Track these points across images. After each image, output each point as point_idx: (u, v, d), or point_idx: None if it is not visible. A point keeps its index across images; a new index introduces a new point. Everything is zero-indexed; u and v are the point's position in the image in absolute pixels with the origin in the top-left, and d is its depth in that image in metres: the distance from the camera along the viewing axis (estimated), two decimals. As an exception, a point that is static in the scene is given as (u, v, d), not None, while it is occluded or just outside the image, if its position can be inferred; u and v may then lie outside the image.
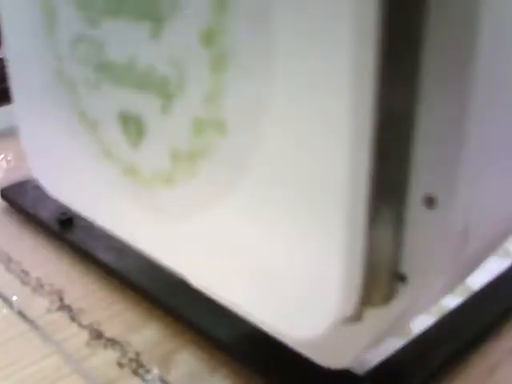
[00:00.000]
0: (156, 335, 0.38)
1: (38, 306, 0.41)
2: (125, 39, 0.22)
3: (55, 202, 0.52)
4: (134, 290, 0.42)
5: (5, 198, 0.54)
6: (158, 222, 0.25)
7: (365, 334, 0.26)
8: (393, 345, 0.35)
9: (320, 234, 0.19)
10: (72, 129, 0.27)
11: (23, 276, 0.44)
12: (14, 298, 0.42)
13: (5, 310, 0.41)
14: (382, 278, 0.23)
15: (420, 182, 0.21)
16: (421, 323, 0.37)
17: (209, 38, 0.19)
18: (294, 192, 0.19)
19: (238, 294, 0.24)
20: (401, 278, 0.23)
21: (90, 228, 0.48)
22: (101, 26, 0.23)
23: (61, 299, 0.42)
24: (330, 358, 0.30)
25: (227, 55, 0.19)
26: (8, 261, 0.46)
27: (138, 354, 0.37)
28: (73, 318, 0.40)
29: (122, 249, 0.46)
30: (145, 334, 0.38)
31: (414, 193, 0.21)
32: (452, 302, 0.39)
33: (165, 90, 0.22)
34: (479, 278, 0.41)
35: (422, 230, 0.22)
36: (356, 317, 0.23)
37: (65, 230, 0.48)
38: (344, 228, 0.19)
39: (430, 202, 0.21)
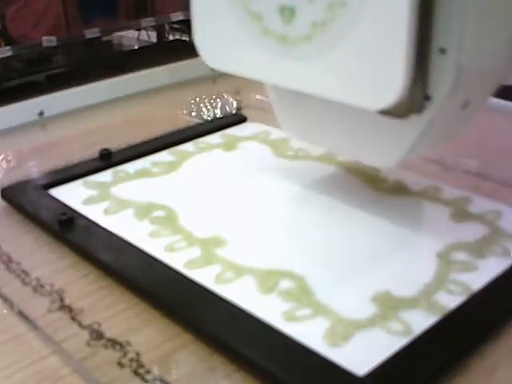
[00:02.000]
0: (156, 335, 0.38)
1: (38, 306, 0.41)
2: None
3: (55, 201, 0.52)
4: (134, 290, 0.42)
5: (5, 198, 0.54)
6: (299, 66, 0.43)
7: (408, 134, 0.43)
8: (393, 345, 0.35)
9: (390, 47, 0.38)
10: (239, 18, 0.46)
11: (23, 276, 0.44)
12: (14, 298, 0.42)
13: (5, 310, 0.41)
14: (417, 97, 0.40)
15: (437, 40, 0.39)
16: (421, 323, 0.37)
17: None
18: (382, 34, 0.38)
19: (341, 93, 0.42)
20: (427, 98, 0.41)
21: (90, 228, 0.49)
22: None
23: (61, 299, 0.42)
24: (381, 161, 0.47)
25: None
26: (8, 261, 0.46)
27: (138, 353, 0.37)
28: (73, 318, 0.40)
29: (122, 249, 0.46)
30: (145, 333, 0.38)
31: (434, 45, 0.39)
32: (452, 302, 0.39)
33: None
34: (479, 278, 0.41)
35: (439, 68, 0.39)
36: (403, 115, 0.41)
37: (65, 230, 0.48)
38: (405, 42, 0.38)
39: (442, 51, 0.39)
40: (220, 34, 0.48)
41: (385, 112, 0.41)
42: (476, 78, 0.42)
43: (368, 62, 0.39)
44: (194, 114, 0.71)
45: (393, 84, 0.39)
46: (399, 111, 0.41)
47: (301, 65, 0.43)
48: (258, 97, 0.72)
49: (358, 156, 0.51)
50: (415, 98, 0.41)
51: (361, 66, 0.40)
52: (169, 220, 0.50)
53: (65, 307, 0.41)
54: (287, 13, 0.42)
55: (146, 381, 0.35)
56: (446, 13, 0.38)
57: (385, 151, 0.46)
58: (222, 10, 0.47)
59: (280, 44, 0.43)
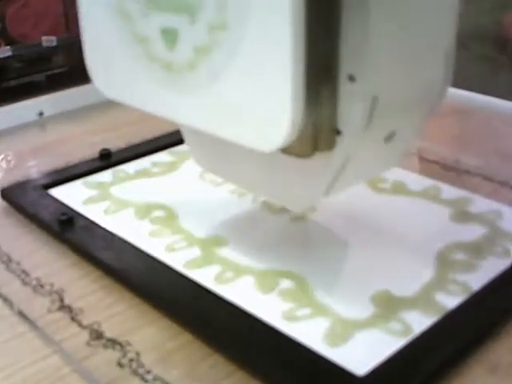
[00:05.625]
0: (156, 335, 0.38)
1: (38, 306, 0.41)
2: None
3: (55, 201, 0.52)
4: (133, 290, 0.42)
5: (5, 198, 0.54)
6: (185, 99, 0.39)
7: (320, 173, 0.38)
8: (393, 345, 0.35)
9: (276, 81, 0.33)
10: (126, 43, 0.41)
11: (23, 276, 0.44)
12: (14, 298, 0.42)
13: (5, 310, 0.41)
14: (324, 131, 0.35)
15: (345, 65, 0.34)
16: (421, 323, 0.37)
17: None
18: (262, 61, 0.33)
19: (228, 130, 0.37)
20: (337, 132, 0.35)
21: (90, 228, 0.48)
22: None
23: (61, 299, 0.42)
24: (294, 203, 0.43)
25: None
26: (8, 261, 0.46)
27: (138, 353, 0.37)
28: (73, 318, 0.40)
29: (122, 249, 0.46)
30: (145, 333, 0.38)
31: (341, 71, 0.34)
32: (452, 302, 0.39)
33: (192, 10, 0.36)
34: (479, 278, 0.41)
35: (349, 98, 0.34)
36: (307, 154, 0.36)
37: (65, 230, 0.48)
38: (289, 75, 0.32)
39: (351, 78, 0.34)
40: (110, 59, 0.43)
41: (284, 151, 0.36)
42: (399, 107, 0.37)
43: (252, 94, 0.34)
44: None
45: (279, 121, 0.33)
46: (300, 150, 0.36)
47: (185, 97, 0.38)
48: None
49: (270, 196, 0.46)
50: (320, 134, 0.35)
51: (245, 100, 0.35)
52: (169, 220, 0.50)
53: (65, 307, 0.41)
54: (170, 36, 0.38)
55: (146, 381, 0.35)
56: (352, 32, 0.33)
57: (296, 193, 0.41)
58: (110, 30, 0.42)
59: (165, 72, 0.39)
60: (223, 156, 0.45)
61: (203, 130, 0.38)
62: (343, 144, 0.35)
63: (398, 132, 0.39)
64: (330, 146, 0.36)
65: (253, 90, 0.34)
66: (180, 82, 0.38)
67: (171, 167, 0.59)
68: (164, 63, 0.39)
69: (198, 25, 0.36)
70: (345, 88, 0.34)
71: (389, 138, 0.38)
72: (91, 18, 0.44)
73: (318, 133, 0.35)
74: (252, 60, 0.34)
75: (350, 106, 0.34)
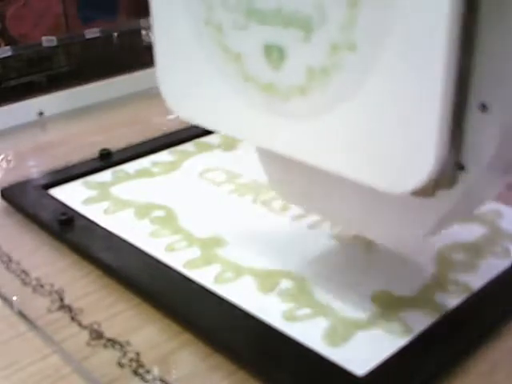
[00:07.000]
0: (156, 335, 0.38)
1: (38, 305, 0.41)
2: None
3: (55, 201, 0.52)
4: (134, 290, 0.42)
5: (5, 198, 0.54)
6: (290, 126, 0.33)
7: (432, 212, 0.34)
8: (393, 345, 0.35)
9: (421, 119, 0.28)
10: (215, 60, 0.36)
11: (23, 276, 0.44)
12: (14, 298, 0.42)
13: (5, 310, 0.41)
14: (448, 167, 0.30)
15: (477, 94, 0.29)
16: (421, 323, 0.37)
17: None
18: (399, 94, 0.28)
19: (345, 165, 0.32)
20: (461, 168, 0.31)
21: (90, 228, 0.49)
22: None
23: (61, 299, 0.42)
24: (398, 239, 0.38)
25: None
26: (8, 261, 0.46)
27: (138, 354, 0.37)
28: (73, 318, 0.40)
29: (122, 249, 0.46)
30: (145, 333, 0.38)
31: (473, 99, 0.29)
32: (452, 302, 0.39)
33: (307, 26, 0.30)
34: (479, 278, 0.41)
35: (478, 130, 0.30)
36: (430, 193, 0.31)
37: (65, 230, 0.48)
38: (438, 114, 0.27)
39: (483, 107, 0.29)
40: (189, 78, 0.39)
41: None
42: None
43: (385, 128, 0.29)
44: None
45: (421, 161, 0.28)
46: (424, 191, 0.31)
47: (291, 124, 0.33)
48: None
49: (368, 234, 0.41)
50: (446, 171, 0.30)
51: (374, 134, 0.30)
52: (169, 220, 0.50)
53: (65, 307, 0.41)
54: (275, 54, 0.32)
55: (146, 381, 0.35)
56: (488, 52, 0.28)
57: (404, 232, 0.37)
58: (190, 46, 0.37)
59: (265, 94, 0.34)
60: (316, 190, 0.39)
61: (310, 163, 0.34)
62: (464, 181, 0.31)
63: None
64: (451, 183, 0.31)
65: (385, 123, 0.29)
66: (284, 106, 0.33)
67: (171, 167, 0.59)
68: (264, 84, 0.34)
69: (314, 42, 0.30)
70: (474, 118, 0.29)
71: (508, 168, 0.34)
72: (166, 27, 0.39)
73: (443, 171, 0.30)
74: (387, 89, 0.28)
75: (478, 139, 0.30)
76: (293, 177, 0.40)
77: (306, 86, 0.32)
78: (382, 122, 0.29)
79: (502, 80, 0.28)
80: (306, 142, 0.33)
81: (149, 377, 0.35)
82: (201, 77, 0.37)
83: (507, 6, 0.27)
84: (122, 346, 0.37)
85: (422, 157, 0.28)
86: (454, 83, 0.27)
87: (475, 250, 0.44)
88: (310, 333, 0.37)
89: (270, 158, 0.41)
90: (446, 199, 0.32)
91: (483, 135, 0.30)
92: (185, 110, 0.40)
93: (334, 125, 0.31)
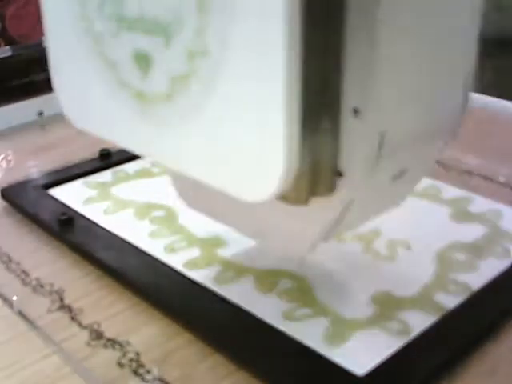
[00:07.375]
0: (156, 335, 0.38)
1: (38, 305, 0.41)
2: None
3: (55, 201, 0.52)
4: (134, 290, 0.42)
5: (5, 198, 0.54)
6: (161, 133, 0.33)
7: (318, 219, 0.33)
8: (393, 345, 0.35)
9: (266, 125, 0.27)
10: (95, 67, 0.35)
11: (23, 276, 0.44)
12: (14, 298, 0.42)
13: (5, 310, 0.41)
14: (324, 173, 0.30)
15: (349, 98, 0.29)
16: (420, 323, 0.37)
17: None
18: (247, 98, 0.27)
19: (207, 174, 0.31)
20: (339, 174, 0.30)
21: (90, 228, 0.48)
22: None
23: (61, 299, 0.42)
24: (290, 247, 0.37)
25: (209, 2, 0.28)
26: (8, 261, 0.46)
27: (138, 354, 0.37)
28: (73, 318, 0.40)
29: (122, 249, 0.46)
30: (145, 334, 0.38)
31: (345, 105, 0.29)
32: (452, 302, 0.39)
33: (167, 32, 0.30)
34: (479, 278, 0.41)
35: (353, 135, 0.29)
36: (301, 201, 0.31)
37: (65, 230, 0.48)
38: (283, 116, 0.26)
39: (356, 112, 0.29)
40: (80, 86, 0.38)
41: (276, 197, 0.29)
42: (410, 143, 0.32)
43: (236, 136, 0.28)
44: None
45: (270, 167, 0.27)
46: (294, 196, 0.30)
47: (162, 132, 0.32)
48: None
49: (264, 240, 0.40)
50: (319, 176, 0.30)
51: (227, 141, 0.29)
52: (169, 220, 0.50)
53: (65, 307, 0.41)
54: (142, 61, 0.32)
55: (146, 381, 0.35)
56: (357, 59, 0.28)
57: (293, 239, 0.36)
58: (80, 59, 0.36)
59: (137, 101, 0.33)
60: (213, 197, 0.36)
61: (179, 171, 0.34)
62: (345, 187, 0.31)
63: (409, 168, 0.34)
64: (330, 189, 0.31)
65: (236, 127, 0.28)
66: (153, 113, 0.33)
67: (171, 167, 0.59)
68: (136, 91, 0.33)
69: (174, 49, 0.30)
70: (348, 123, 0.29)
71: (398, 176, 0.33)
72: (57, 36, 0.39)
73: (315, 175, 0.30)
74: (235, 92, 0.28)
75: (354, 144, 0.29)
76: (196, 185, 0.37)
77: (170, 92, 0.31)
78: (233, 129, 0.28)
79: (373, 85, 0.28)
80: (174, 150, 0.33)
81: (149, 377, 0.35)
82: (88, 85, 0.37)
83: (366, 14, 0.27)
84: (121, 346, 0.37)
85: (273, 165, 0.27)
86: (299, 88, 0.26)
87: (475, 250, 0.44)
88: (309, 333, 0.37)
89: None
90: (328, 207, 0.32)
91: (359, 140, 0.29)
92: (80, 121, 0.39)
93: (194, 133, 0.31)
